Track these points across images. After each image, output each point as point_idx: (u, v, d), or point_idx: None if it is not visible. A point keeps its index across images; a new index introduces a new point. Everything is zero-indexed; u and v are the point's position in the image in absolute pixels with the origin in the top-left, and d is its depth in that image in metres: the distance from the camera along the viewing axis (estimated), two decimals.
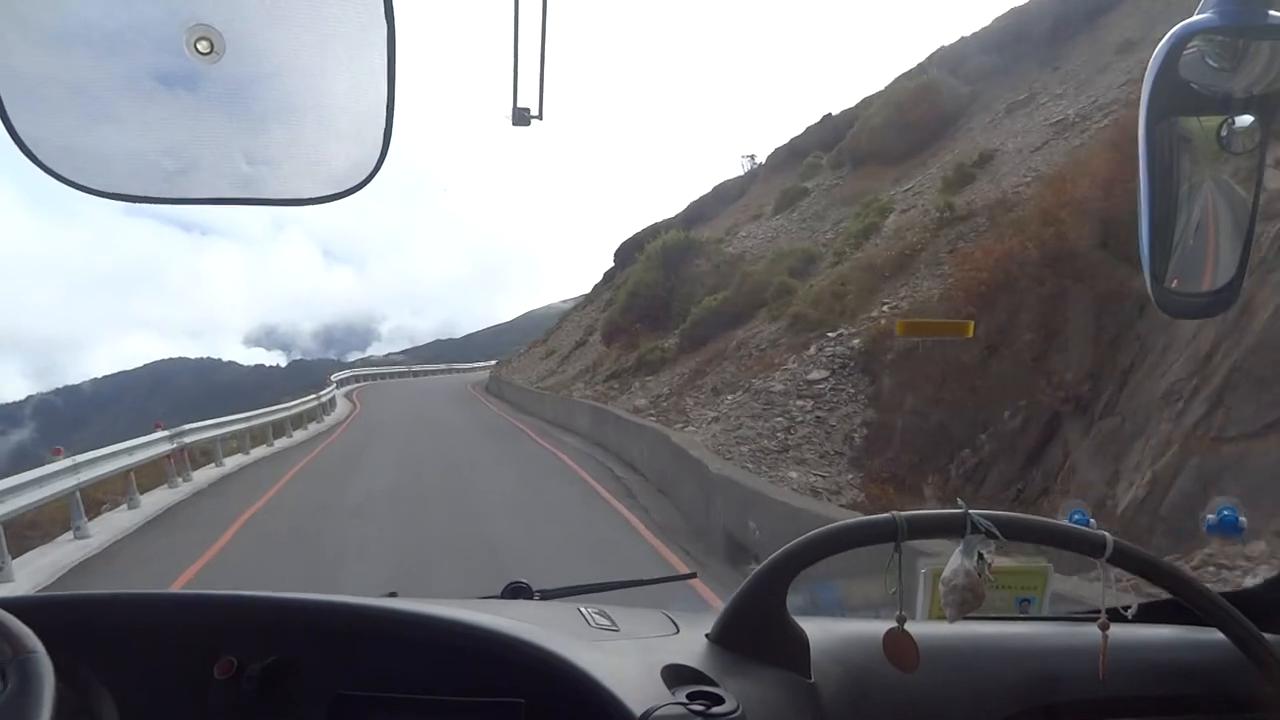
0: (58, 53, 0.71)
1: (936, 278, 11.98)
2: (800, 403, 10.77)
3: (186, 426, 12.63)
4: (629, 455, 13.22)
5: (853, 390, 10.62)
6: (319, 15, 0.71)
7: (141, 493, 11.55)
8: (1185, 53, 0.79)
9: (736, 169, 37.92)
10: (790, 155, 31.71)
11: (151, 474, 12.26)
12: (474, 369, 50.98)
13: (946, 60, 23.58)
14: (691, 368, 16.53)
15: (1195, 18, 0.79)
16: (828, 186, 23.59)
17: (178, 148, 0.74)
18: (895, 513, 0.95)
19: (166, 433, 11.81)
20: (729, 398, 12.29)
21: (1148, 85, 0.81)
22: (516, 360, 38.40)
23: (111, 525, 9.48)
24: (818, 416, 10.36)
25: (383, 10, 0.71)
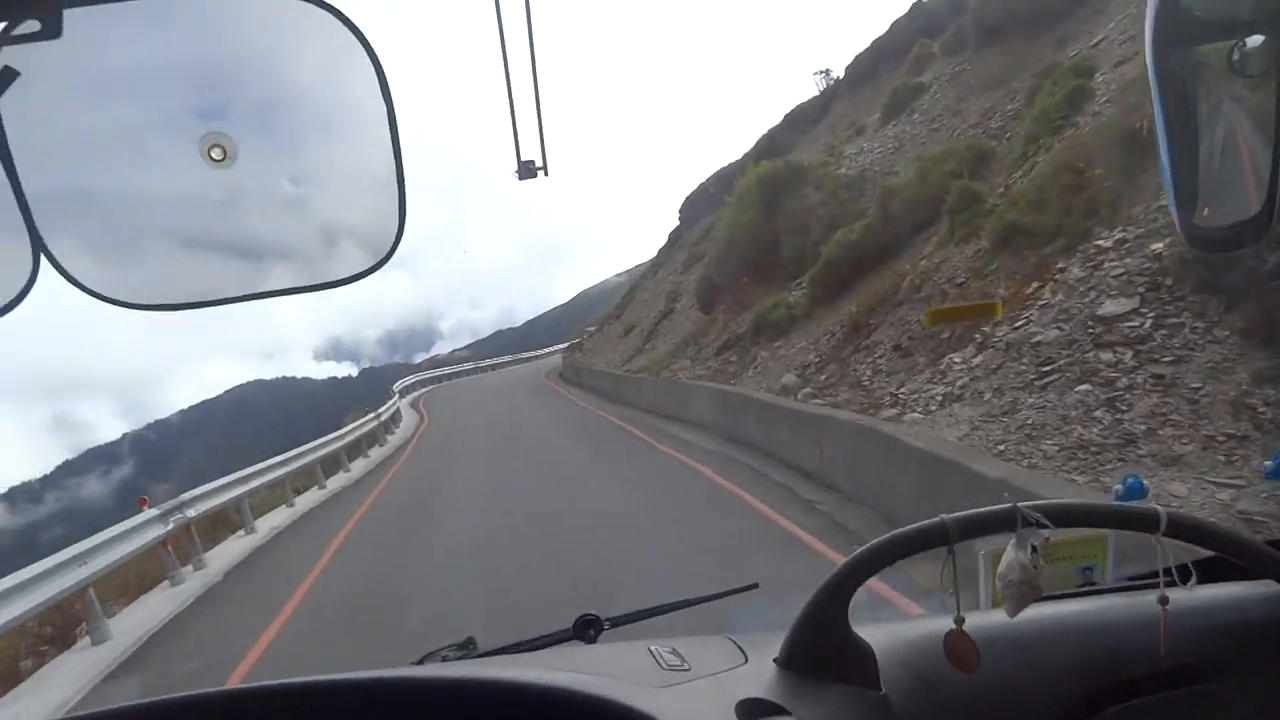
0: (84, 171, 0.72)
1: None
2: (1107, 355, 6.59)
3: (188, 495, 9.13)
4: (789, 456, 9.28)
5: (1201, 325, 6.38)
6: (319, 107, 0.74)
7: (133, 599, 8.18)
8: None
9: (807, 91, 33.27)
10: (876, 58, 26.95)
11: (151, 564, 8.90)
12: (542, 356, 47.53)
13: None
14: (842, 323, 12.41)
15: None
16: (951, 75, 18.93)
17: (202, 252, 0.77)
18: (944, 516, 0.96)
19: (157, 510, 8.32)
20: (956, 360, 8.15)
21: (1150, 21, 0.78)
22: (590, 341, 34.70)
23: (55, 684, 6.00)
24: (1155, 375, 6.18)
25: (380, 91, 0.72)
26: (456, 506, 10.31)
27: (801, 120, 31.35)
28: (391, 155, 0.73)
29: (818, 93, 31.42)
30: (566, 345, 43.19)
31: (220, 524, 11.36)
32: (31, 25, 0.64)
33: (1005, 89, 15.65)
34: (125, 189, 0.72)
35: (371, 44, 0.71)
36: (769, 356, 14.03)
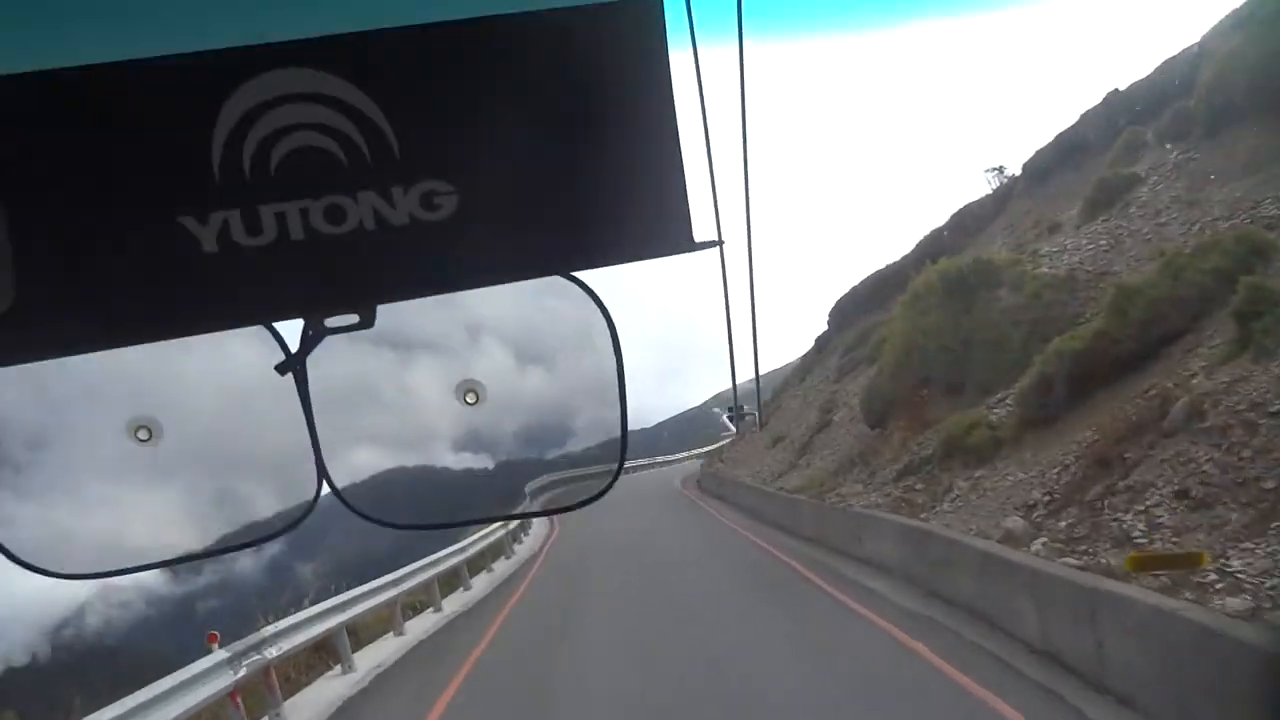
0: (364, 415, 1.01)
1: None
2: None
3: (271, 630, 7.57)
4: (1033, 637, 6.84)
5: None
6: (560, 361, 1.05)
7: None
8: None
9: (975, 189, 31.01)
10: (1064, 152, 24.38)
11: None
12: (676, 461, 45.38)
13: None
14: (1077, 453, 9.76)
15: None
16: (1174, 163, 16.23)
17: (453, 480, 1.16)
18: None
19: (226, 653, 6.77)
20: None
21: None
22: (731, 449, 32.43)
23: None
24: None
25: (612, 347, 0.93)
26: (590, 661, 8.28)
27: (971, 219, 28.87)
28: (618, 404, 0.89)
29: (990, 190, 28.96)
30: (703, 451, 41.04)
31: (319, 647, 9.86)
32: (350, 318, 0.81)
33: (1264, 174, 12.89)
34: (396, 429, 0.96)
35: (610, 314, 0.85)
36: (969, 488, 11.43)
